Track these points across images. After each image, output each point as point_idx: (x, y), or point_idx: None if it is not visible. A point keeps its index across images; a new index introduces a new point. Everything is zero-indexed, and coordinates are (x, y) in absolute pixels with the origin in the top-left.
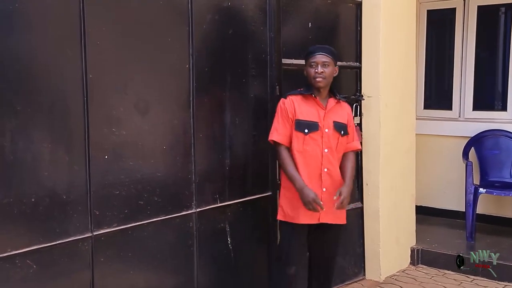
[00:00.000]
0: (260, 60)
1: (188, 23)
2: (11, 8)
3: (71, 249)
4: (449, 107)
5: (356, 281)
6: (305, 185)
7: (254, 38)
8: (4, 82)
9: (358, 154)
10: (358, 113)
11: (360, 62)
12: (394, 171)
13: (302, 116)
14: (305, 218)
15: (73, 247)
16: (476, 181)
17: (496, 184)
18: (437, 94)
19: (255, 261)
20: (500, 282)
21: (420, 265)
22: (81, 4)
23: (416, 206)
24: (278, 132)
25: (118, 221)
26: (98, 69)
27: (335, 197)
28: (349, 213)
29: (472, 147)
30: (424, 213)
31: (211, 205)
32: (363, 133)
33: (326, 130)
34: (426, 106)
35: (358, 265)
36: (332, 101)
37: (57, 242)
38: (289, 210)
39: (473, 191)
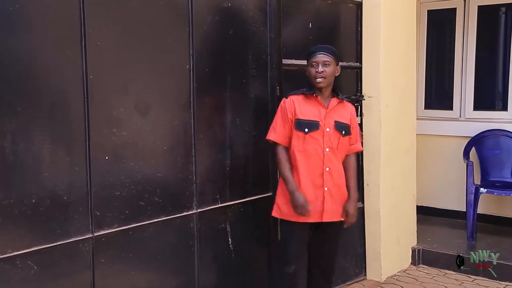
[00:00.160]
0: (260, 60)
1: (188, 23)
2: (11, 8)
3: (71, 250)
4: (449, 107)
5: (357, 281)
6: (297, 188)
7: (255, 39)
8: (4, 82)
9: (359, 155)
10: (358, 113)
11: (361, 62)
12: (394, 171)
13: (302, 116)
14: (304, 216)
15: (74, 248)
16: (477, 181)
17: (497, 184)
18: (438, 94)
19: (255, 262)
20: (501, 282)
21: (421, 265)
22: (81, 4)
23: (417, 206)
24: (275, 132)
25: (118, 221)
26: (99, 70)
27: (342, 218)
28: None
29: (473, 147)
30: (425, 213)
31: (211, 205)
32: (363, 133)
33: (327, 130)
34: (427, 106)
35: (359, 265)
36: (334, 100)
37: (58, 243)
38: (285, 208)
39: (473, 191)
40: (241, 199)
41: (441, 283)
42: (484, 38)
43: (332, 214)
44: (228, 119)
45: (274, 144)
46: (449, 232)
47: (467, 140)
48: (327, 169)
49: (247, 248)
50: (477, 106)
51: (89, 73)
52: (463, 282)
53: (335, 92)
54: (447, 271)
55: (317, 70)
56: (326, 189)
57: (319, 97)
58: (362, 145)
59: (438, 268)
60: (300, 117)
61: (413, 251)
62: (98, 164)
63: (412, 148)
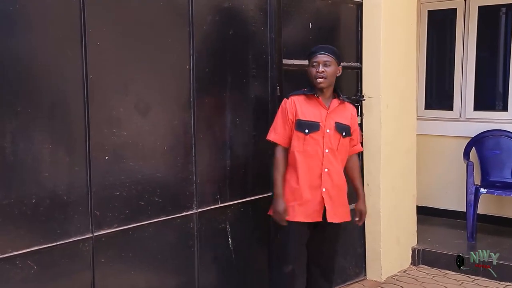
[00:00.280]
0: (260, 60)
1: (188, 23)
2: (11, 8)
3: (71, 250)
4: (450, 107)
5: (357, 281)
6: (282, 195)
7: (255, 39)
8: (4, 82)
9: (359, 155)
10: (359, 114)
11: (361, 63)
12: (395, 172)
13: (303, 116)
14: (302, 216)
15: (74, 247)
16: (477, 181)
17: (497, 184)
18: (438, 94)
19: (255, 262)
20: (501, 282)
21: (421, 265)
22: (81, 4)
23: (417, 206)
24: (275, 132)
25: (118, 221)
26: (99, 70)
27: (357, 219)
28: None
29: (473, 147)
30: (425, 213)
31: (211, 205)
32: (364, 133)
33: (328, 131)
34: (427, 106)
35: (359, 265)
36: (335, 101)
37: (58, 243)
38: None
39: (474, 191)
40: (241, 199)
41: (441, 283)
42: (484, 38)
43: (334, 215)
44: (228, 119)
45: (274, 145)
46: (449, 232)
47: (467, 141)
48: (326, 170)
49: (247, 248)
50: (477, 107)
51: (89, 73)
52: (463, 282)
53: (336, 93)
54: (447, 271)
55: (317, 70)
56: (324, 190)
57: (320, 97)
58: (362, 145)
59: (438, 268)
60: (301, 118)
61: (413, 251)
62: (98, 164)
63: (412, 148)
